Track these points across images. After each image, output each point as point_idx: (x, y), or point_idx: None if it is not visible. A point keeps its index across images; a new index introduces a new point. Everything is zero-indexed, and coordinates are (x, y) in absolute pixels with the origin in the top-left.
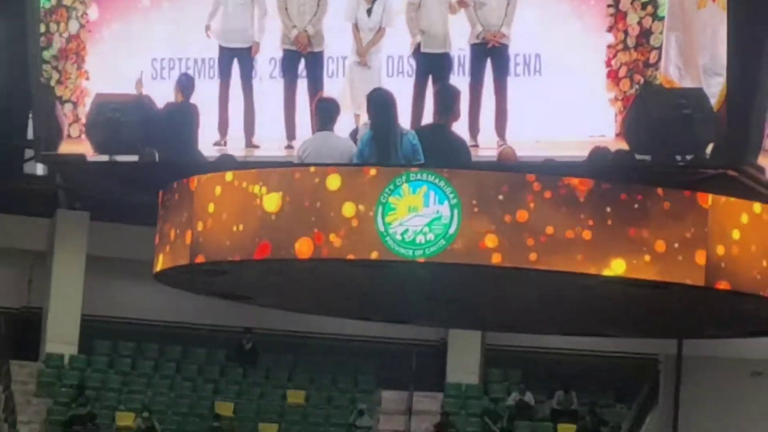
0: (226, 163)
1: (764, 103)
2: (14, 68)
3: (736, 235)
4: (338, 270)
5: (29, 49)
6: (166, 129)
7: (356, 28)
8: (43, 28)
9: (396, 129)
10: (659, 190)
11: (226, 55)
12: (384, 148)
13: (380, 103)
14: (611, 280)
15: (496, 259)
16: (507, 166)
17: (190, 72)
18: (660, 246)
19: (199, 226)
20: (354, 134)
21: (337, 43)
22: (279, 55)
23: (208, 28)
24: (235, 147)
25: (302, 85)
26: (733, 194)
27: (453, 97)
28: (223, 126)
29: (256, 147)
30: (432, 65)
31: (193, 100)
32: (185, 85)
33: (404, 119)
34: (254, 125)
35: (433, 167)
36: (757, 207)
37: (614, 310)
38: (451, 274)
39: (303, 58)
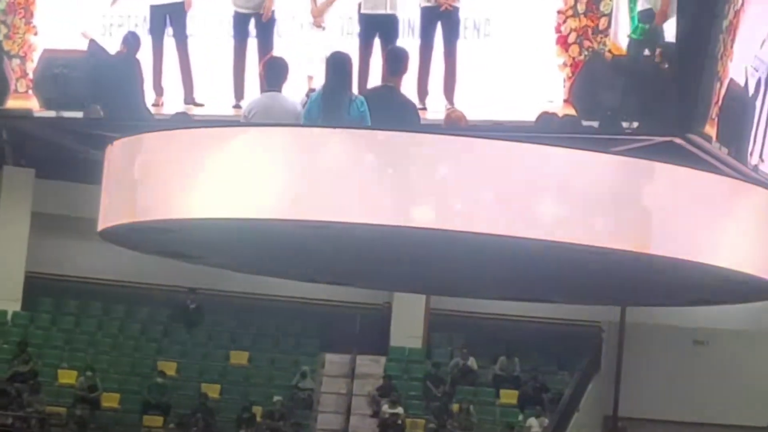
0: (179, 121)
1: (713, 72)
2: None
3: None
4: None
5: None
6: (112, 82)
7: None
8: None
9: (348, 93)
10: None
11: (158, 13)
12: (333, 110)
13: (336, 65)
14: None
15: None
16: (456, 128)
17: (139, 29)
18: None
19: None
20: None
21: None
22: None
23: None
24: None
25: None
26: (679, 162)
27: (402, 58)
28: (157, 85)
29: (200, 105)
30: (375, 26)
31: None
32: (131, 42)
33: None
34: (192, 82)
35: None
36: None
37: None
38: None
39: (253, 18)
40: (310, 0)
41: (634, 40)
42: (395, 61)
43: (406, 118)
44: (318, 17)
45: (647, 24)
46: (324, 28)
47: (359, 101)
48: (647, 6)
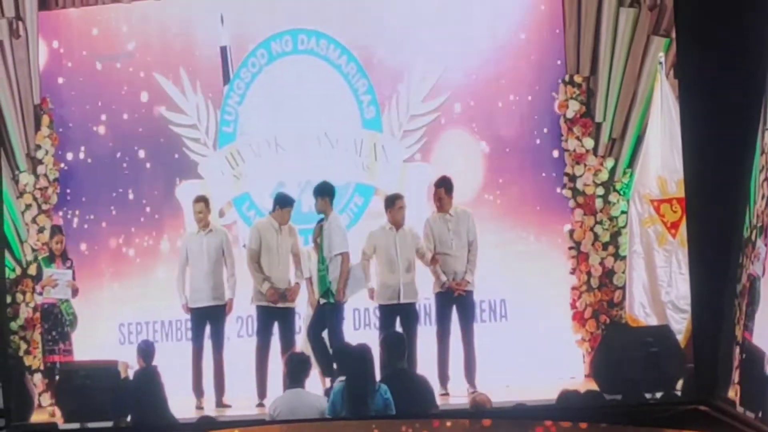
0: (205, 424)
1: (731, 336)
2: None
3: None
4: None
5: None
6: (136, 396)
7: (309, 281)
8: (9, 299)
9: (372, 382)
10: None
11: (198, 316)
12: (357, 401)
13: (356, 357)
14: None
15: None
16: (481, 412)
17: (158, 335)
18: None
19: None
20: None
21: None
22: (247, 314)
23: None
24: (206, 408)
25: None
26: (705, 429)
27: (401, 343)
28: (198, 388)
29: (228, 406)
30: (395, 315)
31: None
32: (145, 351)
33: None
34: (224, 385)
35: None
36: None
37: None
38: None
39: (277, 315)
40: (309, 292)
41: None
42: (397, 348)
43: (424, 393)
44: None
45: None
46: None
47: (383, 389)
48: None
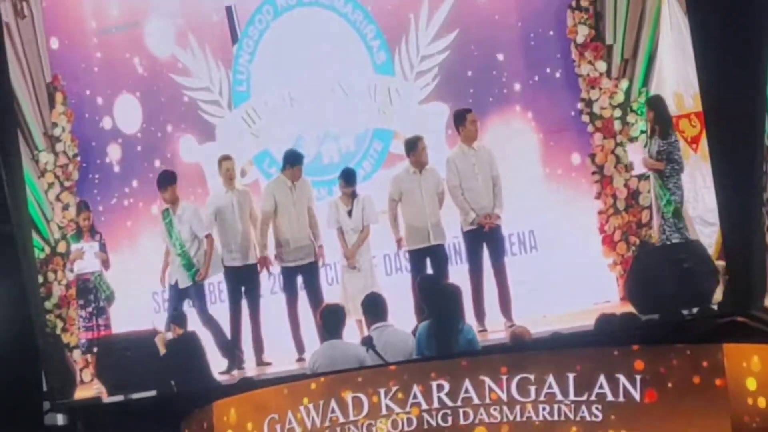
0: (244, 384)
1: (761, 245)
2: (17, 324)
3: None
4: None
5: (31, 302)
6: (177, 363)
7: (340, 231)
8: (40, 279)
9: (458, 322)
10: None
11: (233, 275)
12: (445, 342)
13: (449, 295)
14: None
15: None
16: (521, 343)
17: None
18: None
19: None
20: (369, 341)
21: (330, 251)
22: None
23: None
24: (247, 368)
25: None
26: (745, 339)
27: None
28: (237, 347)
29: (268, 364)
30: (424, 258)
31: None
32: (178, 318)
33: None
34: (263, 344)
35: None
36: None
37: None
38: None
39: (299, 272)
40: (341, 243)
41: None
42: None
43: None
44: (351, 258)
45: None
46: (358, 269)
47: (467, 328)
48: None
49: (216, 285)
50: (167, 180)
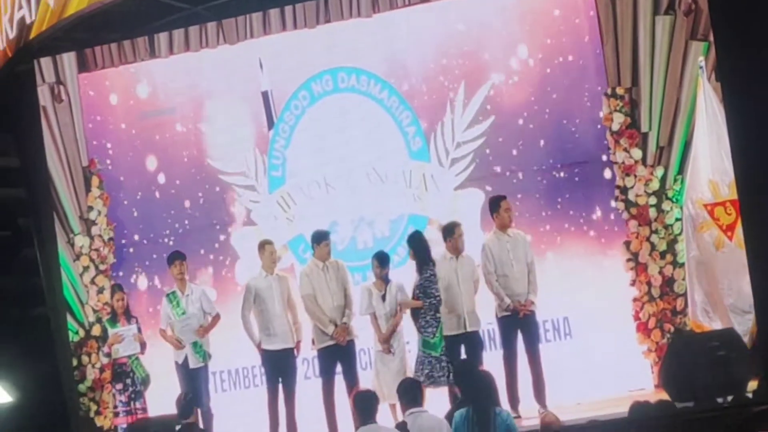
0: None
1: None
2: (52, 407)
3: None
4: None
5: (65, 385)
6: None
7: (374, 317)
8: (75, 362)
9: (495, 408)
10: None
11: (272, 358)
12: (484, 429)
13: (482, 383)
14: None
15: None
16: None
17: (225, 384)
18: None
19: None
20: (402, 427)
21: (364, 336)
22: (312, 356)
23: (259, 345)
24: None
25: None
26: None
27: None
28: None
29: None
30: (459, 344)
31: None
32: (185, 408)
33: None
34: (297, 428)
35: None
36: None
37: None
38: None
39: (338, 358)
40: (375, 328)
41: None
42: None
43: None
44: (386, 343)
45: None
46: (393, 353)
47: (505, 414)
48: None
49: (250, 369)
50: (176, 256)
